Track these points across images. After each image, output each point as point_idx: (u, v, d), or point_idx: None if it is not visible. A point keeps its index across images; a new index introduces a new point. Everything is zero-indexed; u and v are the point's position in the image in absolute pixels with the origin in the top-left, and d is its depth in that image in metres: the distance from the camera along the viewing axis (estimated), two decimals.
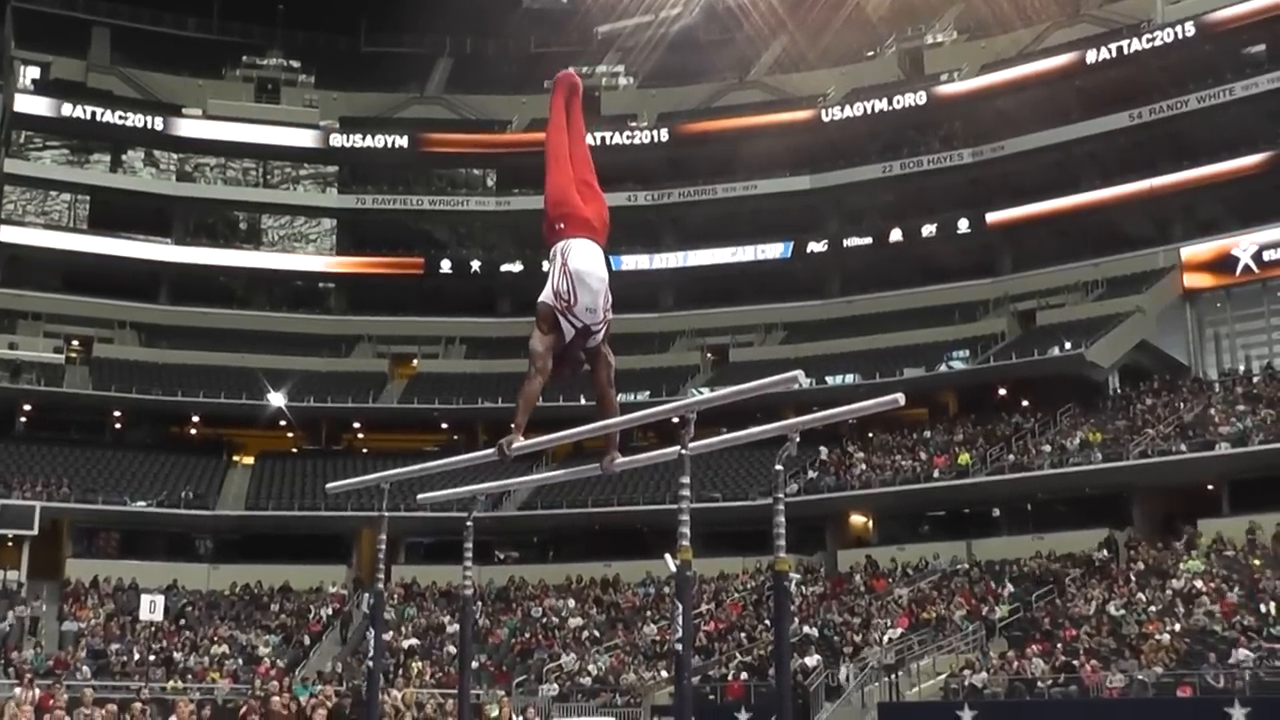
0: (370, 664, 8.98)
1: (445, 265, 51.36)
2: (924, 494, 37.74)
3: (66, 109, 48.76)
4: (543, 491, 40.89)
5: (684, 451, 5.89)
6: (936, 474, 37.63)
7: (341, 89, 54.01)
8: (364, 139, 51.91)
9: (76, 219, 49.77)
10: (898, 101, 48.21)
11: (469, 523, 8.31)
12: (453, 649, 33.40)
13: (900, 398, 5.92)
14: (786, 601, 6.10)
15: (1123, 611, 28.89)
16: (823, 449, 40.39)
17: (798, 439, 6.11)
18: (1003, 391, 41.49)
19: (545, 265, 7.17)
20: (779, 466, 6.14)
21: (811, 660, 29.03)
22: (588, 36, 55.63)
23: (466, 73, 56.06)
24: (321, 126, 52.13)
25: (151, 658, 33.67)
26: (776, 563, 5.94)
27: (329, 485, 9.44)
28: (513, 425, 6.91)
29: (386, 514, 8.57)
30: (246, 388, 44.05)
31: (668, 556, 6.12)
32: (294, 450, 46.22)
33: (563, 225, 7.36)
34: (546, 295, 7.09)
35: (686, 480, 5.81)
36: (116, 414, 45.25)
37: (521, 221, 51.52)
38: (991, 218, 45.99)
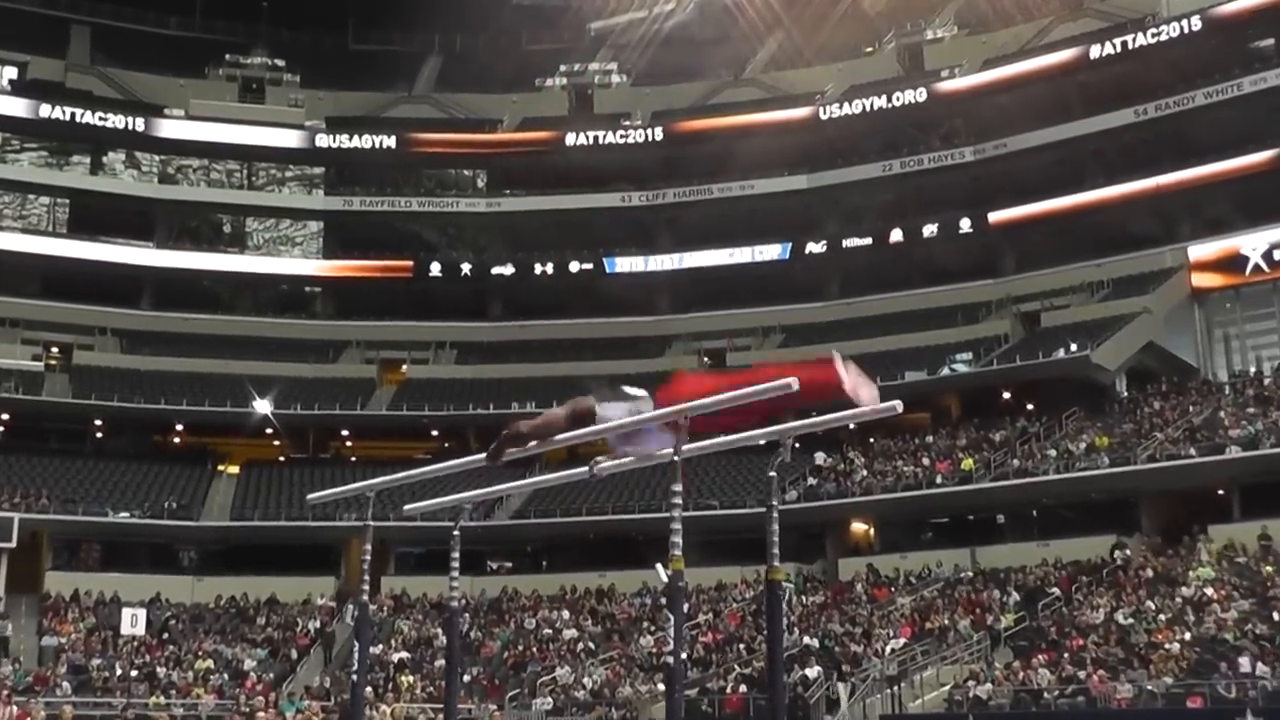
0: (355, 679, 8.93)
1: (435, 268, 51.33)
2: (926, 500, 37.70)
3: (45, 110, 48.69)
4: (535, 500, 40.84)
5: (675, 458, 5.85)
6: (939, 480, 37.61)
7: (328, 88, 53.95)
8: (351, 139, 51.90)
9: (56, 222, 49.71)
10: (897, 98, 48.26)
11: (455, 532, 8.26)
12: (444, 662, 33.35)
13: (897, 405, 5.88)
14: (780, 612, 6.06)
15: (1131, 620, 28.86)
16: (820, 455, 40.41)
17: (795, 444, 6.05)
18: (1006, 395, 41.47)
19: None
20: (772, 473, 6.09)
21: (812, 671, 28.97)
22: (580, 33, 55.69)
23: (456, 71, 56.05)
24: (307, 127, 52.10)
25: (134, 673, 33.56)
26: (769, 572, 5.90)
27: (310, 496, 9.39)
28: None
29: (371, 523, 8.52)
30: (231, 395, 43.96)
31: (659, 566, 6.11)
32: (280, 459, 46.13)
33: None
34: (606, 419, 6.35)
35: (678, 488, 5.78)
36: (97, 423, 45.13)
37: (513, 223, 51.67)
38: (994, 217, 46.02)
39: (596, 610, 37.92)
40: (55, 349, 46.93)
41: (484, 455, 6.80)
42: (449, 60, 56.62)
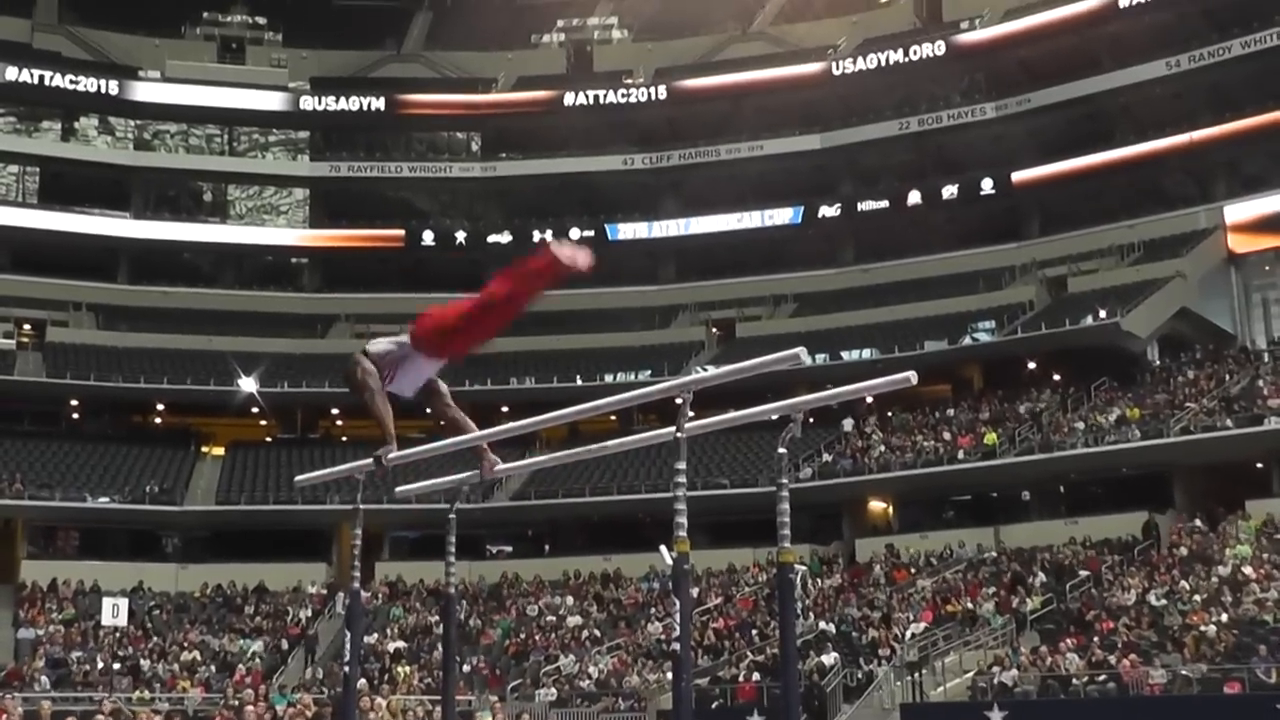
0: (348, 670, 8.99)
1: (427, 237, 51.28)
2: (948, 477, 37.74)
3: (11, 73, 48.49)
4: (536, 480, 40.90)
5: (679, 435, 5.86)
6: (961, 455, 37.62)
7: (312, 47, 53.79)
8: (337, 101, 51.75)
9: (25, 192, 49.64)
10: (914, 52, 48.09)
11: (451, 515, 8.31)
12: None
13: (912, 376, 5.89)
14: (792, 597, 6.09)
15: (1164, 601, 28.91)
16: (846, 422, 40.40)
17: (808, 420, 6.08)
18: (1032, 365, 41.49)
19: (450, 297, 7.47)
20: (782, 450, 6.11)
21: (828, 658, 29.09)
22: None
23: (447, 27, 55.83)
24: (291, 88, 52.00)
25: (116, 666, 33.73)
26: (780, 554, 5.92)
27: (298, 478, 9.43)
28: (386, 438, 7.62)
29: (362, 506, 8.56)
30: (215, 372, 44.01)
31: (663, 549, 6.15)
32: (267, 439, 46.21)
33: (430, 342, 7.77)
34: (377, 350, 7.89)
35: (682, 466, 5.79)
36: (73, 403, 45.23)
37: (509, 188, 51.63)
38: (1018, 177, 45.90)
39: (602, 596, 38.04)
40: (27, 326, 46.94)
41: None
42: (439, 16, 56.36)
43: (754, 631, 32.69)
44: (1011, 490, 37.95)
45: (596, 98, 51.13)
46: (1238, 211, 42.07)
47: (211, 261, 51.43)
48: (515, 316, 7.70)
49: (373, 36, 55.33)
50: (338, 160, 52.01)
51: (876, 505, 40.65)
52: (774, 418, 6.56)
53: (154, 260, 49.51)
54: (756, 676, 29.47)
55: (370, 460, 7.65)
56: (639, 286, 49.54)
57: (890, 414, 41.14)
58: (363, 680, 28.32)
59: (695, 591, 33.49)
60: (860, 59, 49.03)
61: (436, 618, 35.82)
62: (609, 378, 43.16)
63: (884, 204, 48.22)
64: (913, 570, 35.46)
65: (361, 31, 54.78)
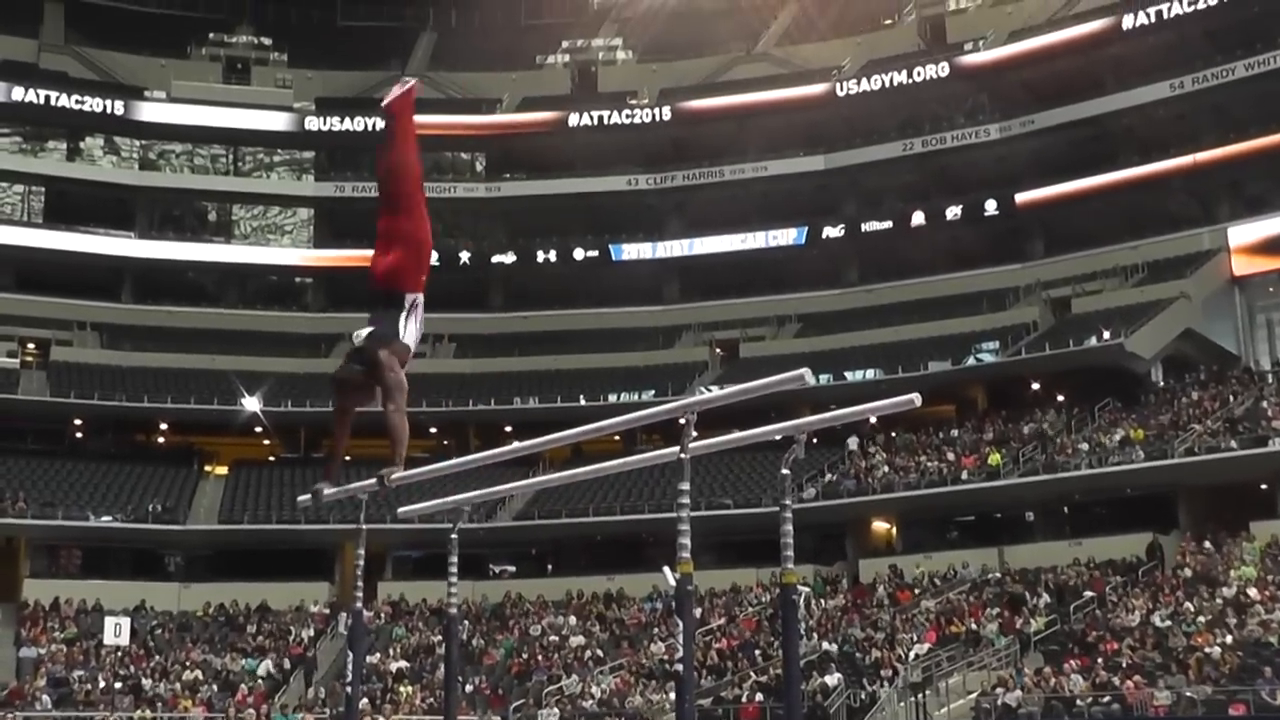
0: (350, 690, 8.99)
1: (431, 257, 51.13)
2: (951, 497, 37.72)
3: (18, 93, 48.67)
4: (539, 500, 40.88)
5: (683, 455, 5.87)
6: (965, 475, 37.60)
7: (317, 67, 53.95)
8: (342, 121, 51.84)
9: (31, 212, 49.77)
10: (918, 73, 48.17)
11: (454, 535, 8.32)
12: None
13: (916, 398, 5.91)
14: (795, 617, 6.09)
15: (1169, 622, 28.85)
16: (851, 441, 40.37)
17: (811, 440, 6.10)
18: (1036, 386, 41.47)
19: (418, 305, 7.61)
20: (785, 471, 6.12)
21: (831, 679, 29.03)
22: (582, 6, 55.67)
23: (451, 48, 56.02)
24: (296, 108, 52.12)
25: (118, 685, 33.63)
26: (784, 575, 5.93)
27: (301, 498, 9.45)
28: (395, 458, 7.60)
29: (365, 526, 8.58)
30: (218, 392, 44.01)
31: (666, 569, 6.19)
32: (271, 458, 46.17)
33: (425, 276, 7.91)
34: (413, 341, 7.81)
35: (686, 486, 5.80)
36: (77, 422, 45.20)
37: (513, 208, 51.68)
38: (1021, 198, 45.95)
39: (604, 616, 37.97)
40: (32, 345, 46.94)
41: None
42: (444, 37, 56.60)
43: (757, 652, 32.61)
44: (1015, 511, 37.92)
45: (601, 118, 51.25)
46: (1241, 233, 42.11)
47: (215, 281, 51.48)
48: (418, 174, 8.19)
49: (377, 57, 55.46)
50: (342, 180, 52.08)
51: (880, 525, 40.62)
52: (777, 438, 6.57)
53: (158, 280, 49.59)
54: (760, 697, 29.40)
55: (374, 480, 7.64)
56: (643, 307, 49.63)
57: (894, 434, 41.13)
58: (365, 700, 28.34)
59: (698, 612, 33.46)
60: (864, 80, 49.12)
61: (439, 637, 35.77)
62: (613, 398, 43.18)
63: (888, 224, 48.23)
64: (916, 591, 35.40)
65: (366, 52, 54.96)
